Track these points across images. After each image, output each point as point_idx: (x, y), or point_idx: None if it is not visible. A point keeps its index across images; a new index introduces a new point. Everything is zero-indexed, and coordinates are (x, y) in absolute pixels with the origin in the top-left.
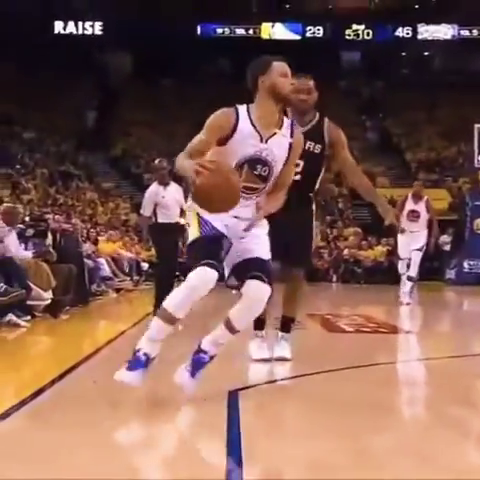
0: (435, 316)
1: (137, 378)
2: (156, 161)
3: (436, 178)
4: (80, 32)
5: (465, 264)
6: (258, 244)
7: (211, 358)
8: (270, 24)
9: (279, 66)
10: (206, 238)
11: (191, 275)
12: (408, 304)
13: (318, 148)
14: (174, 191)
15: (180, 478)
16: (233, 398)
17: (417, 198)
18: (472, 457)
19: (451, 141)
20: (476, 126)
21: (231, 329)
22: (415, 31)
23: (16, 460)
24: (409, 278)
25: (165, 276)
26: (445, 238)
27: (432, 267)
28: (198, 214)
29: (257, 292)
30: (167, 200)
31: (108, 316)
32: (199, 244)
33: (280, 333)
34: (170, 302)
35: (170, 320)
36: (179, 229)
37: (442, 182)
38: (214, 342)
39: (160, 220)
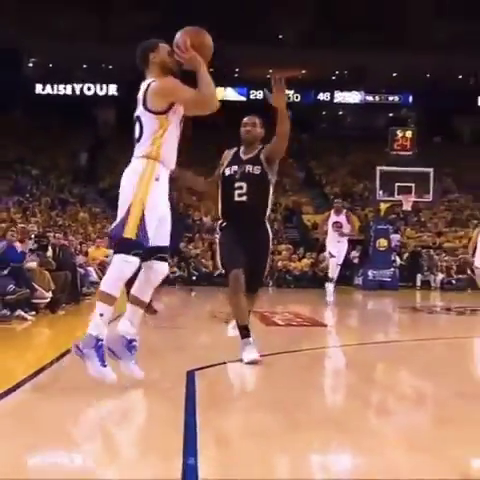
0: (347, 313)
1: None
2: None
3: (348, 207)
4: (77, 93)
5: (369, 273)
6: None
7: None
8: (223, 88)
9: (166, 46)
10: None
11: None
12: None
13: (257, 169)
14: None
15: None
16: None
17: (338, 212)
18: (372, 420)
19: (359, 179)
20: (378, 168)
21: (140, 304)
22: (332, 96)
23: (24, 424)
24: (331, 279)
25: None
26: (355, 253)
27: (345, 275)
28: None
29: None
30: None
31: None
32: None
33: (244, 339)
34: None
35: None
36: None
37: (353, 210)
38: (130, 323)
39: None
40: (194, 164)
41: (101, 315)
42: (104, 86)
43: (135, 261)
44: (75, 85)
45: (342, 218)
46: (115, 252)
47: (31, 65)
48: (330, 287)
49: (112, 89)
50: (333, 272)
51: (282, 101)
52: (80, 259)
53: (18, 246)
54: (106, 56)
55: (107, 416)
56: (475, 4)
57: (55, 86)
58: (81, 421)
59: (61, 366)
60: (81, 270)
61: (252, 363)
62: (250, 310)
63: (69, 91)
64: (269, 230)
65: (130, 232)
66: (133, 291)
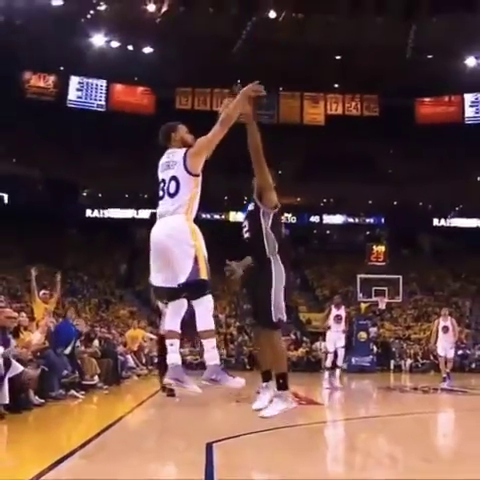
0: (336, 393)
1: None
2: None
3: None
4: (119, 216)
5: (353, 359)
6: None
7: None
8: (235, 212)
9: (183, 126)
10: None
11: None
12: (337, 388)
13: (251, 205)
14: None
15: None
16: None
17: (338, 306)
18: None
19: (343, 284)
20: (358, 276)
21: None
22: (321, 218)
23: None
24: (338, 366)
25: None
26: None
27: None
28: None
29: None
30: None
31: (132, 392)
32: None
33: (275, 391)
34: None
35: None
36: None
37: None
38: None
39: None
40: None
41: (213, 347)
42: (140, 211)
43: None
44: (118, 210)
45: (342, 311)
46: (197, 295)
47: (84, 194)
48: (338, 372)
49: (146, 213)
50: (329, 363)
51: (247, 109)
52: (120, 349)
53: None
54: (141, 187)
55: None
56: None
57: (102, 211)
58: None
59: (109, 433)
60: (121, 358)
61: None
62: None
63: (113, 214)
64: (272, 267)
65: (205, 274)
66: (198, 328)
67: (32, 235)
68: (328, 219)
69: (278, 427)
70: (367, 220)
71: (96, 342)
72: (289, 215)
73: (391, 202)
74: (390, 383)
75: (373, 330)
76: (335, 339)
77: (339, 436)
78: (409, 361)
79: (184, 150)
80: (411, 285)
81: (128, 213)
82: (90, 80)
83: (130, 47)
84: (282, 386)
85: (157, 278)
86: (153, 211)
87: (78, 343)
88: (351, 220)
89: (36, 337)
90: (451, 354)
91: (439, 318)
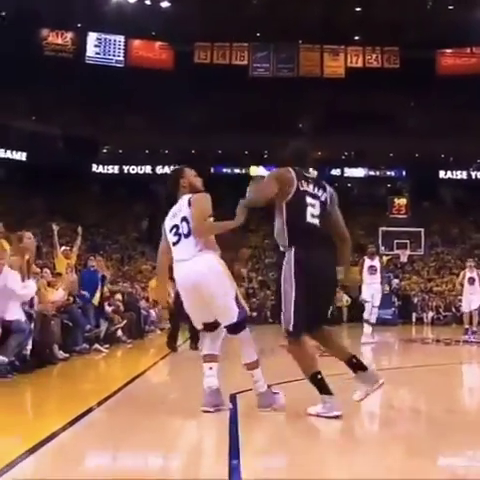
0: (359, 345)
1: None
2: None
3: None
4: (140, 172)
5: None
6: None
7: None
8: (256, 166)
9: (190, 170)
10: None
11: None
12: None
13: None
14: None
15: None
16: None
17: (372, 257)
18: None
19: (366, 238)
20: (380, 229)
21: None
22: (342, 172)
23: (102, 434)
24: (366, 321)
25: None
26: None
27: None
28: None
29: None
30: None
31: (156, 345)
32: None
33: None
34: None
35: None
36: None
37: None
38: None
39: None
40: None
41: (260, 377)
42: (159, 167)
43: None
44: (140, 166)
45: (376, 262)
46: (240, 330)
47: (104, 151)
48: (368, 329)
49: (166, 169)
50: (368, 314)
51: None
52: (143, 303)
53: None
54: (161, 143)
55: (165, 428)
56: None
57: (122, 167)
58: (145, 432)
59: (133, 386)
60: (144, 312)
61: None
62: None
63: (133, 171)
64: (285, 257)
65: (246, 308)
66: (244, 361)
67: (53, 192)
68: (349, 172)
69: (297, 379)
70: (388, 173)
71: (119, 296)
72: (310, 169)
73: (412, 155)
74: (412, 335)
75: (395, 282)
76: (372, 292)
77: None
78: (431, 314)
79: (189, 196)
80: (433, 238)
81: (148, 169)
82: (108, 36)
83: (147, 2)
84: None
85: (198, 320)
86: (173, 167)
87: (105, 289)
88: (372, 173)
89: (59, 294)
90: (476, 305)
91: (465, 270)
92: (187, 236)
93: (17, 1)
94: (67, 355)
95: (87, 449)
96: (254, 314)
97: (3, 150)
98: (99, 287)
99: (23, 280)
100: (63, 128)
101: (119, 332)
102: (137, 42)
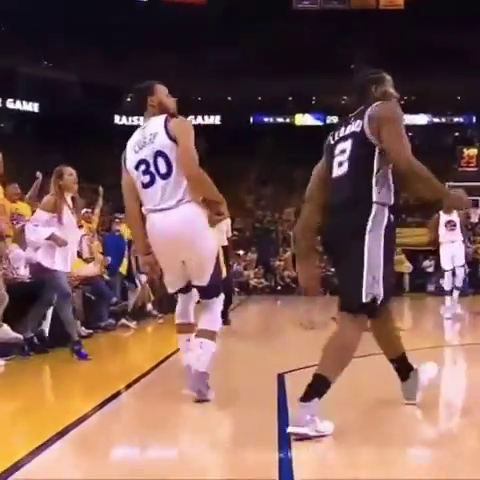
0: (422, 318)
1: None
2: None
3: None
4: None
5: (440, 281)
6: None
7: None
8: (302, 114)
9: (162, 87)
10: None
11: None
12: (460, 317)
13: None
14: None
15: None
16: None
17: (449, 210)
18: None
19: None
20: (446, 184)
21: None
22: None
23: (132, 420)
24: (456, 288)
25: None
26: (427, 263)
27: (418, 283)
28: None
29: None
30: None
31: None
32: None
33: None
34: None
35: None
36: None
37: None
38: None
39: None
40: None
41: (207, 351)
42: (191, 117)
43: None
44: None
45: (454, 216)
46: (212, 295)
47: (128, 100)
48: (449, 302)
49: (199, 119)
50: (449, 284)
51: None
52: None
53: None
54: (194, 90)
55: (206, 413)
56: None
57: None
58: (185, 417)
59: (164, 366)
60: None
61: None
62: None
63: None
64: (371, 215)
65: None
66: (200, 325)
67: (69, 148)
68: (410, 119)
69: (367, 354)
70: (456, 119)
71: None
72: None
73: None
74: None
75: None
76: (453, 253)
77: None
78: None
79: (164, 117)
80: None
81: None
82: None
83: None
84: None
85: (174, 284)
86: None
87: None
88: (437, 120)
89: (90, 269)
90: None
91: None
92: (166, 176)
93: None
94: (90, 331)
95: (116, 437)
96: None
97: (12, 100)
98: (126, 254)
99: (60, 221)
100: (80, 74)
101: (149, 306)
102: None
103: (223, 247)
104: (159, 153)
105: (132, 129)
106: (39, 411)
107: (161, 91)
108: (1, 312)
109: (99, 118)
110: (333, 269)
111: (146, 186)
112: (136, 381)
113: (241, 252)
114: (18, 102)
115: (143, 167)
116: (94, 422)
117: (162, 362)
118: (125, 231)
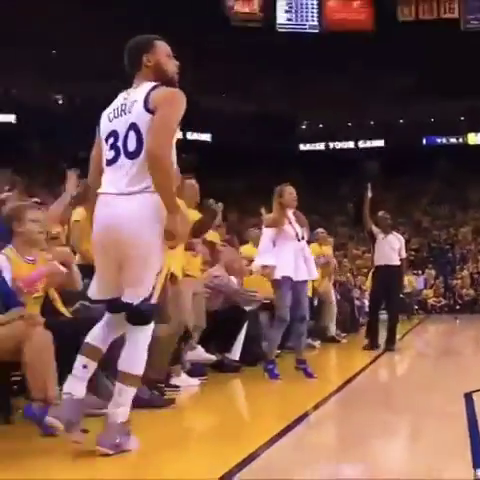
0: None
1: None
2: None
3: None
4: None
5: None
6: None
7: None
8: (474, 134)
9: (163, 45)
10: None
11: None
12: None
13: None
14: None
15: None
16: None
17: None
18: None
19: None
20: None
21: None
22: None
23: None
24: None
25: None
26: None
27: None
28: None
29: None
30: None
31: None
32: None
33: None
34: None
35: None
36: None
37: None
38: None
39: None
40: None
41: (127, 398)
42: (360, 141)
43: None
44: (343, 141)
45: None
46: (139, 321)
47: (303, 127)
48: None
49: (368, 143)
50: None
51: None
52: (356, 292)
53: None
54: (365, 114)
55: (396, 431)
56: None
57: (329, 144)
58: (376, 432)
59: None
60: (357, 302)
61: None
62: None
63: (338, 147)
64: None
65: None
66: (120, 366)
67: (250, 174)
68: None
69: None
70: None
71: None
72: None
73: None
74: None
75: None
76: None
77: None
78: None
79: (152, 85)
80: None
81: (351, 144)
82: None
83: None
84: None
85: (102, 288)
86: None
87: None
88: None
89: None
90: None
91: None
92: (132, 155)
93: None
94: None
95: (320, 450)
96: None
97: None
98: None
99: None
100: (257, 103)
101: (331, 325)
102: (332, 3)
103: (396, 266)
104: (132, 126)
105: (305, 154)
106: (237, 426)
107: (161, 49)
108: (198, 336)
109: (276, 145)
110: None
111: (109, 163)
112: (325, 400)
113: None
114: (195, 133)
115: (111, 140)
116: (285, 442)
117: (349, 381)
118: None
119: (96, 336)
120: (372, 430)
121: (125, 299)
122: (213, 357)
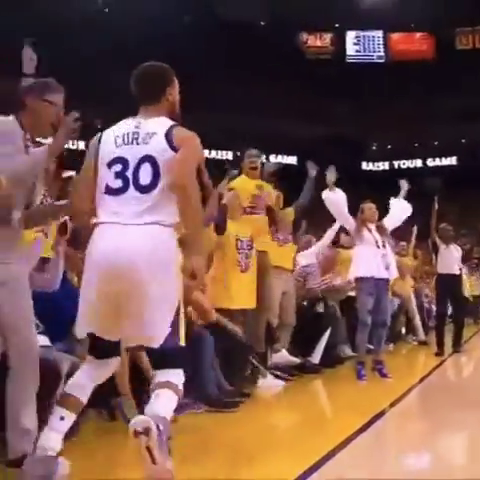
0: None
1: None
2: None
3: None
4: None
5: None
6: None
7: None
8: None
9: (176, 82)
10: None
11: None
12: None
13: None
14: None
15: None
16: None
17: None
18: None
19: None
20: None
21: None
22: None
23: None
24: None
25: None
26: None
27: None
28: None
29: None
30: None
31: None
32: None
33: None
34: None
35: None
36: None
37: None
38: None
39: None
40: None
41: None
42: (429, 159)
43: None
44: (410, 160)
45: None
46: (177, 362)
47: (374, 148)
48: None
49: (437, 161)
50: None
51: None
52: (424, 297)
53: None
54: (430, 135)
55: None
56: None
57: (394, 163)
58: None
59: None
60: (426, 306)
61: None
62: None
63: (404, 165)
64: None
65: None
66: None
67: None
68: None
69: None
70: None
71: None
72: None
73: None
74: None
75: None
76: None
77: None
78: None
79: (170, 122)
80: None
81: (418, 163)
82: (367, 33)
83: None
84: None
85: (95, 322)
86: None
87: None
88: None
89: None
90: None
91: None
92: (145, 190)
93: (273, 9)
94: (354, 354)
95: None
96: None
97: (274, 155)
98: None
99: None
100: (334, 129)
101: (403, 329)
102: (396, 35)
103: (458, 275)
104: (148, 158)
105: (377, 174)
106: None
107: (176, 85)
108: (289, 335)
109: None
110: None
111: (112, 192)
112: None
113: None
114: (280, 156)
115: (118, 168)
116: (364, 438)
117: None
118: None
119: (74, 386)
120: (447, 427)
121: (145, 342)
122: (297, 360)
